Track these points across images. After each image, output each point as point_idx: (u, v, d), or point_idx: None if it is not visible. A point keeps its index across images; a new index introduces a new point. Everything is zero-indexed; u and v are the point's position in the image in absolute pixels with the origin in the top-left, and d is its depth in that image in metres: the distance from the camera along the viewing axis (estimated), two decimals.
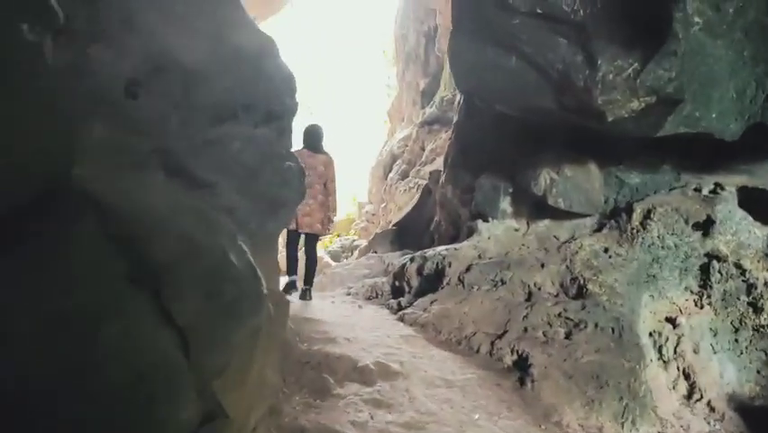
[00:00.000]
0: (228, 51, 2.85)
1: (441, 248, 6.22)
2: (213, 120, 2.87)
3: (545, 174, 5.90)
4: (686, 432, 4.06)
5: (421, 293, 5.78)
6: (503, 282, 5.25)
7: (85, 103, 1.82)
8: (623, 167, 5.92)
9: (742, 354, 4.67)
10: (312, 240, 6.22)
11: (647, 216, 5.37)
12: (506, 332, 4.60)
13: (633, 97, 4.70)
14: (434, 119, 12.44)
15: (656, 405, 4.10)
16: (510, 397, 3.82)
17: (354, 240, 14.60)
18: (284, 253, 6.30)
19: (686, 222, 5.24)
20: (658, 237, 5.23)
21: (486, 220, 6.34)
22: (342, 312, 5.69)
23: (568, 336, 4.45)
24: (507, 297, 5.08)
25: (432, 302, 5.35)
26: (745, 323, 4.74)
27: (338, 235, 15.65)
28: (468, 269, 5.52)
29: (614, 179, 5.94)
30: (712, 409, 4.35)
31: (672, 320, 4.79)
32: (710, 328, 4.77)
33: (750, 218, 5.20)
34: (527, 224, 6.25)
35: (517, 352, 4.34)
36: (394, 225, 10.58)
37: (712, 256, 5.02)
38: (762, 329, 4.68)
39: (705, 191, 5.52)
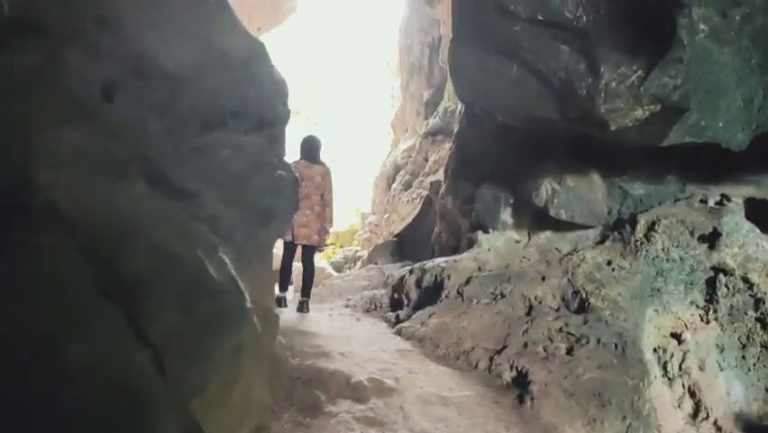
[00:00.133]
0: (216, 56, 2.78)
1: (440, 260, 6.10)
2: (200, 127, 2.79)
3: (547, 184, 5.79)
4: None
5: (419, 306, 5.65)
6: (503, 295, 5.11)
7: (54, 105, 1.73)
8: (626, 177, 5.80)
9: (749, 371, 4.52)
10: (309, 252, 6.14)
11: (651, 227, 5.23)
12: (505, 347, 4.46)
13: (637, 106, 4.60)
14: (438, 130, 12.41)
15: (661, 424, 3.96)
16: (509, 416, 3.68)
17: (357, 251, 14.51)
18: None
19: (691, 234, 5.10)
20: (663, 250, 5.09)
21: (486, 231, 6.23)
22: (338, 325, 5.58)
23: (569, 351, 4.31)
24: (506, 310, 4.94)
25: (430, 315, 5.22)
26: (753, 339, 4.59)
27: (341, 247, 15.56)
28: (467, 281, 5.39)
29: (617, 190, 5.82)
30: (719, 429, 4.21)
31: (677, 336, 4.64)
32: (717, 344, 4.62)
33: (757, 231, 5.06)
34: (528, 235, 6.12)
35: (517, 368, 4.21)
36: (395, 236, 10.48)
37: (719, 270, 4.87)
38: None
39: (711, 203, 5.38)
